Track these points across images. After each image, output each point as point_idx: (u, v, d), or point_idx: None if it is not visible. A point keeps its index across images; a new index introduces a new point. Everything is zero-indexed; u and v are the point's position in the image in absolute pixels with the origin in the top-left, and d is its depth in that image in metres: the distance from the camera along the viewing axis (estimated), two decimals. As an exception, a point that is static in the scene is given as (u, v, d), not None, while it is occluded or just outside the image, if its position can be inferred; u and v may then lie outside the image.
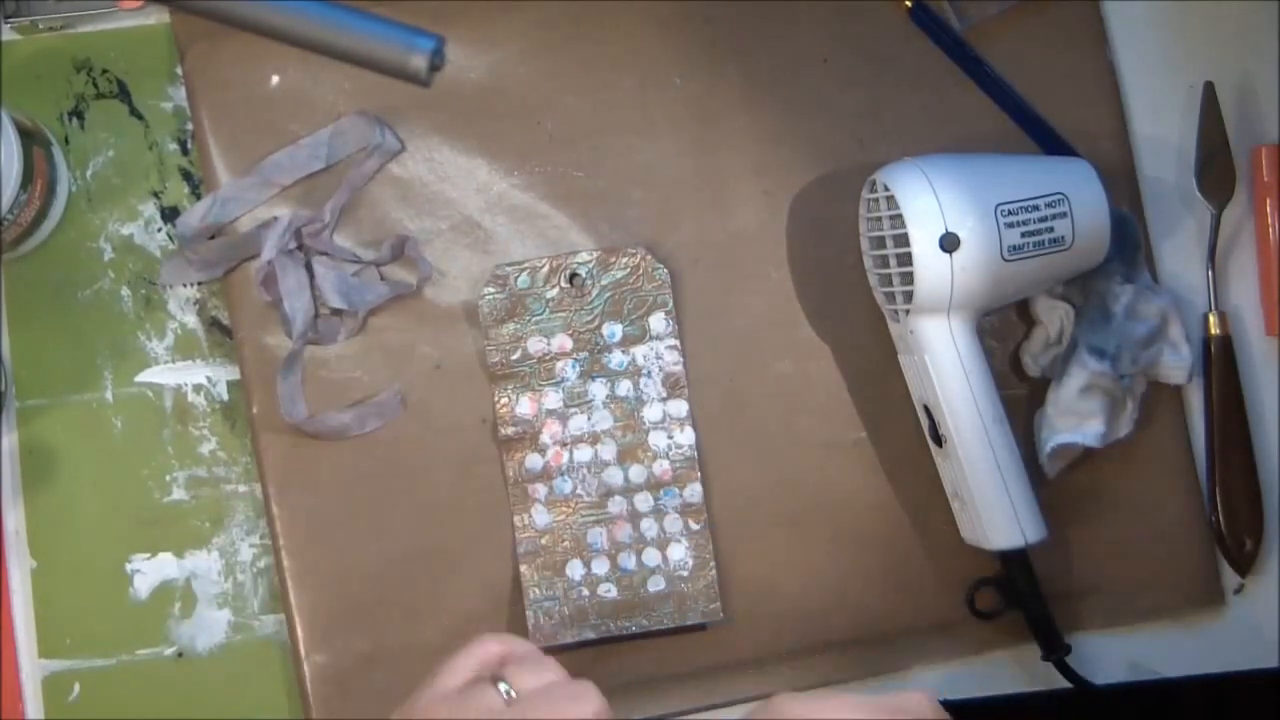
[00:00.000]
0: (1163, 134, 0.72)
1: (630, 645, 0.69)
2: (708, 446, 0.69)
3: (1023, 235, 0.64)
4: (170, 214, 0.71)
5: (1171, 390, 0.70)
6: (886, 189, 0.64)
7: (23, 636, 0.69)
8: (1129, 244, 0.69)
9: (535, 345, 0.69)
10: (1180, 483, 0.70)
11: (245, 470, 0.70)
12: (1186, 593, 0.70)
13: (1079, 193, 0.65)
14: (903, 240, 0.64)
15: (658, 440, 0.68)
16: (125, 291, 0.71)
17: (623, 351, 0.69)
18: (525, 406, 0.69)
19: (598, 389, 0.69)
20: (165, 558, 0.69)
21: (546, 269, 0.69)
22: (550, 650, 0.68)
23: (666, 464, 0.68)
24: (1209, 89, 0.70)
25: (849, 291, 0.70)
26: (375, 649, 0.68)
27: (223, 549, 0.70)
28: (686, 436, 0.68)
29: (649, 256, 0.69)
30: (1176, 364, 0.69)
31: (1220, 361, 0.70)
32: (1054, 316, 0.68)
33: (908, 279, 0.64)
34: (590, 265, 0.69)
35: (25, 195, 0.67)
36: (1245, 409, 0.70)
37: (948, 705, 0.69)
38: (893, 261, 0.65)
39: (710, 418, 0.69)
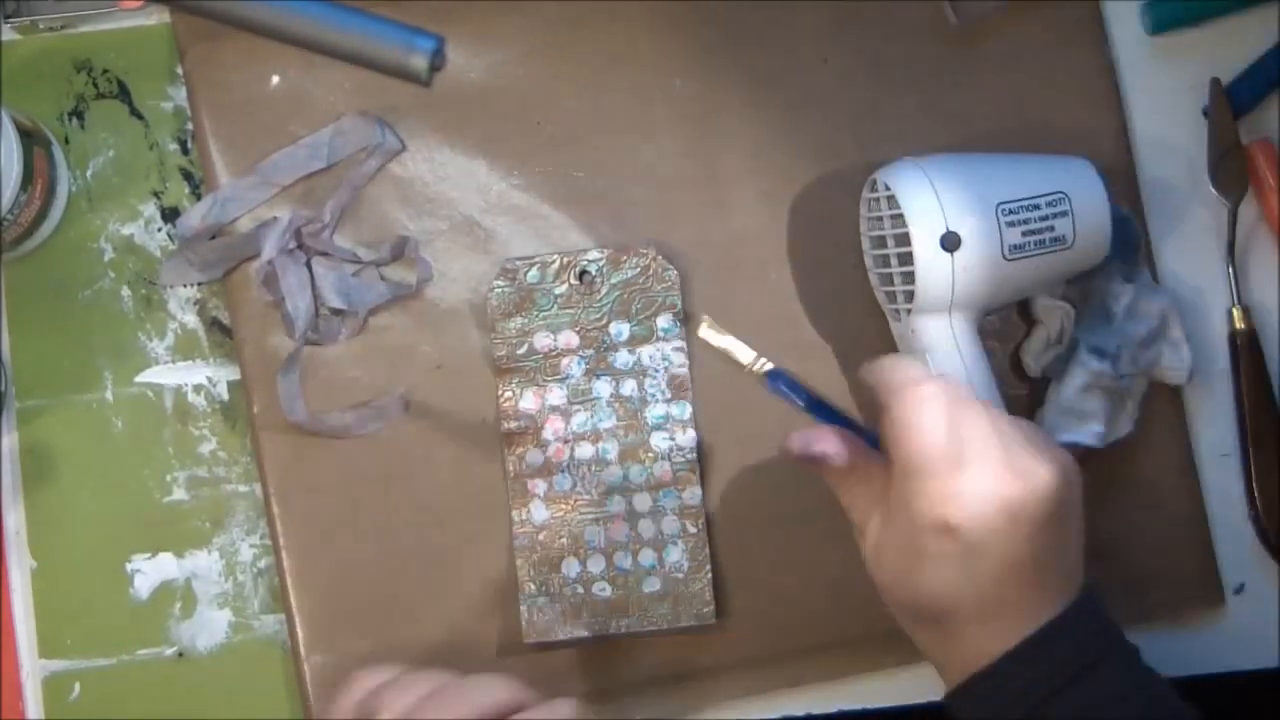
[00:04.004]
0: (1163, 133, 0.72)
1: (629, 645, 0.69)
2: (709, 446, 0.69)
3: (1024, 234, 0.64)
4: (170, 214, 0.71)
5: (1171, 390, 0.70)
6: (887, 188, 0.64)
7: (23, 636, 0.69)
8: (1129, 244, 0.69)
9: (542, 340, 0.69)
10: (1180, 482, 0.70)
11: (245, 470, 0.70)
12: (1186, 593, 0.70)
13: (1080, 191, 0.65)
14: (904, 240, 0.64)
15: (659, 441, 0.68)
16: (125, 291, 0.71)
17: (629, 351, 0.69)
18: (529, 401, 0.69)
19: (602, 387, 0.69)
20: (165, 558, 0.69)
21: (556, 265, 0.69)
22: (543, 646, 0.68)
23: (667, 465, 0.68)
24: (1215, 84, 0.70)
25: (849, 291, 0.70)
26: (375, 649, 0.68)
27: (223, 549, 0.70)
28: (688, 439, 0.68)
29: (659, 257, 0.69)
30: (1177, 364, 0.69)
31: (1247, 355, 0.70)
32: (1054, 317, 0.68)
33: (909, 278, 0.64)
34: (601, 263, 0.69)
35: (25, 195, 0.67)
36: (1275, 401, 0.70)
37: (939, 707, 0.70)
38: (894, 261, 0.65)
39: (711, 417, 0.69)
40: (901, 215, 0.63)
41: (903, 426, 0.56)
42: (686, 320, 0.69)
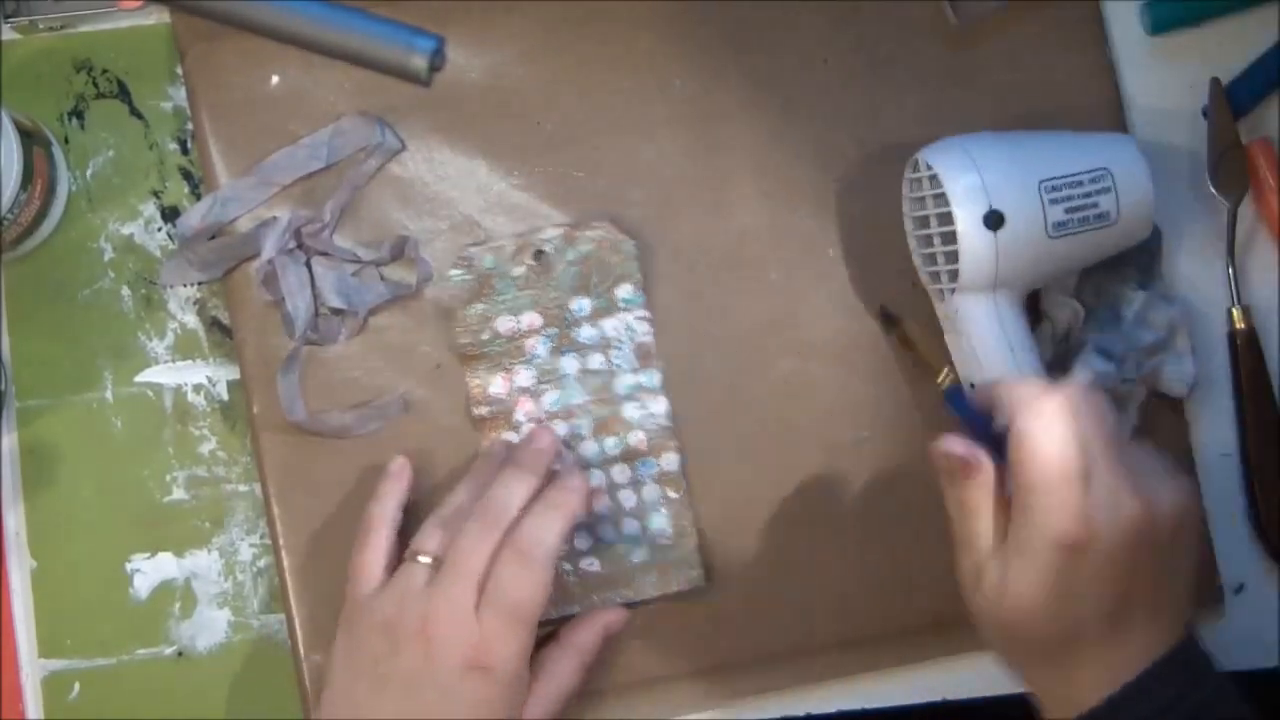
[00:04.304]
0: (1163, 133, 0.72)
1: (629, 646, 0.68)
2: (710, 447, 0.69)
3: (1067, 211, 0.63)
4: (170, 214, 0.71)
5: (1172, 391, 0.70)
6: (929, 168, 0.64)
7: (23, 636, 0.69)
8: (1147, 250, 0.69)
9: (504, 324, 0.69)
10: (1180, 483, 0.70)
11: (245, 470, 0.70)
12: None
13: (1122, 167, 0.65)
14: (946, 219, 0.63)
15: (632, 411, 0.68)
16: (125, 291, 0.71)
17: (592, 325, 0.69)
18: (498, 386, 0.69)
19: (569, 364, 0.69)
20: (165, 558, 0.69)
21: (512, 248, 0.69)
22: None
23: (641, 435, 0.68)
24: (1215, 84, 0.70)
25: (850, 291, 0.70)
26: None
27: (223, 549, 0.70)
28: (660, 406, 0.68)
29: (613, 229, 0.69)
30: (1179, 376, 0.68)
31: (1247, 355, 0.70)
32: (1063, 314, 0.68)
33: (952, 258, 0.64)
34: (555, 241, 0.69)
35: (25, 195, 0.67)
36: (1275, 401, 0.70)
37: (949, 705, 0.70)
38: (937, 241, 0.65)
39: (713, 418, 0.69)
40: (944, 194, 0.63)
41: (1028, 440, 0.55)
42: (647, 290, 0.69)
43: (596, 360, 0.69)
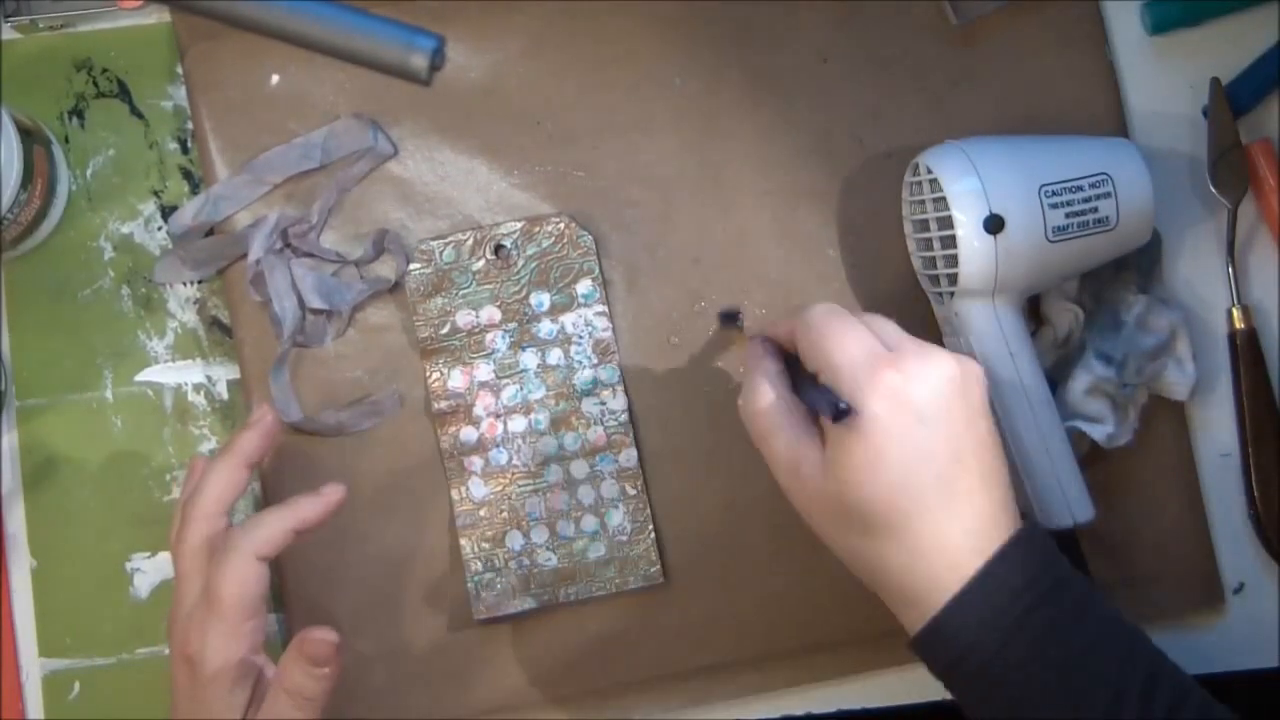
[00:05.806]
0: (1163, 133, 0.72)
1: (629, 645, 0.68)
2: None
3: (1067, 216, 0.64)
4: (170, 213, 0.71)
5: (1173, 391, 0.70)
6: (929, 171, 0.64)
7: (23, 636, 0.69)
8: (1148, 254, 0.69)
9: (464, 318, 0.69)
10: (1180, 484, 0.70)
11: (245, 470, 0.70)
12: (1186, 593, 0.70)
13: (1123, 172, 0.65)
14: (946, 223, 0.64)
15: (590, 407, 0.69)
16: (125, 291, 0.71)
17: (551, 320, 0.69)
18: (457, 380, 0.69)
19: (528, 359, 0.69)
20: (165, 557, 0.69)
21: (471, 241, 0.69)
22: (495, 620, 0.68)
23: (600, 430, 0.68)
24: (1215, 84, 0.70)
25: (850, 291, 0.70)
26: (375, 649, 0.68)
27: (223, 548, 0.70)
28: (619, 402, 0.69)
29: (573, 224, 0.69)
30: (1180, 380, 0.68)
31: (1247, 354, 0.70)
32: (1064, 319, 0.68)
33: (952, 261, 0.64)
34: (515, 236, 0.69)
35: (25, 194, 0.67)
36: (1275, 401, 0.70)
37: (951, 703, 0.70)
38: (936, 244, 0.65)
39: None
40: (944, 198, 0.63)
41: (828, 337, 0.58)
42: (606, 285, 0.69)
43: (555, 355, 0.69)
